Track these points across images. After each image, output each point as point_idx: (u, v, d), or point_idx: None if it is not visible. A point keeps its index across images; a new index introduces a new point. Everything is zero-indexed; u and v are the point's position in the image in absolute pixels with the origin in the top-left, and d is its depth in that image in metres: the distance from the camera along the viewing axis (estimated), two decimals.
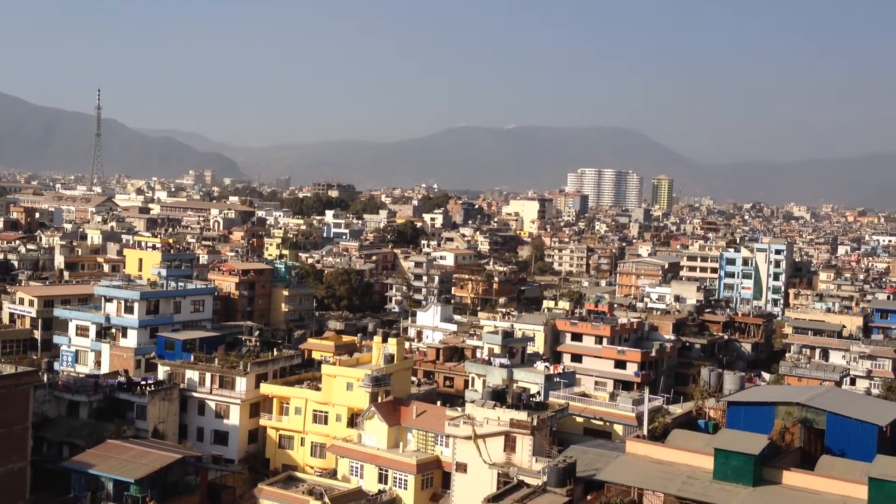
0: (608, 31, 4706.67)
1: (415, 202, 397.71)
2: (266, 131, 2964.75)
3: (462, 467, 63.89)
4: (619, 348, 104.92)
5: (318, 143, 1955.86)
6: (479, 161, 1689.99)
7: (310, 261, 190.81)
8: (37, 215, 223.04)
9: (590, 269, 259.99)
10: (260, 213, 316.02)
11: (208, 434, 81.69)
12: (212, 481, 68.28)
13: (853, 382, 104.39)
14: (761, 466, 43.62)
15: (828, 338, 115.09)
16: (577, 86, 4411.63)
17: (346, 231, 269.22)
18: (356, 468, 71.96)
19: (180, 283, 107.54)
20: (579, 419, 70.96)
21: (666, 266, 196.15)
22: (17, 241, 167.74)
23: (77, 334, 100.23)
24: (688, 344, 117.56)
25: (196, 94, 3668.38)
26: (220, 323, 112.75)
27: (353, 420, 77.35)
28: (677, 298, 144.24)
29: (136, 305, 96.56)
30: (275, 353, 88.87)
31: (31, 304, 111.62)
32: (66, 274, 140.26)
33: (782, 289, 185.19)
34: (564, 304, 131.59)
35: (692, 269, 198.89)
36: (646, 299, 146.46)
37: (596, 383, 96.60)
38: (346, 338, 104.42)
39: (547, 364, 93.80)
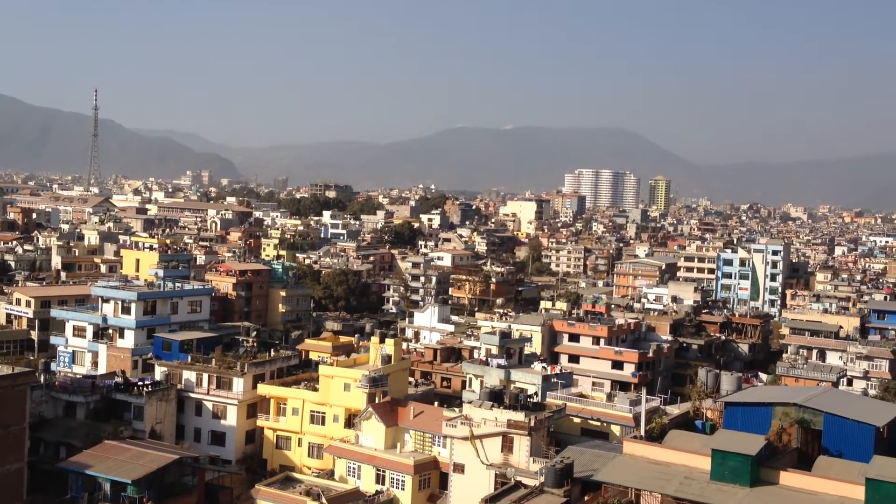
0: (608, 31, 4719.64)
1: (412, 203, 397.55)
2: (264, 132, 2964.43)
3: (459, 468, 63.86)
4: (617, 349, 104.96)
5: (315, 143, 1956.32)
6: (477, 162, 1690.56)
7: (307, 261, 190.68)
8: (34, 216, 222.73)
9: (587, 269, 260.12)
10: (257, 214, 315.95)
11: (205, 435, 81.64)
12: (209, 482, 68.29)
13: (850, 383, 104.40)
14: (758, 467, 43.67)
15: (825, 338, 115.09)
16: (575, 86, 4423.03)
17: (344, 232, 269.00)
18: (353, 469, 71.93)
19: (177, 284, 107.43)
20: (577, 420, 71.02)
21: (663, 267, 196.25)
22: (14, 242, 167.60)
23: (74, 335, 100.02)
24: (685, 344, 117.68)
25: (194, 95, 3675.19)
26: (218, 323, 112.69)
27: (351, 421, 77.33)
28: (674, 299, 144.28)
29: (133, 306, 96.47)
30: (272, 353, 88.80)
31: (27, 304, 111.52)
32: (62, 274, 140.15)
33: (779, 289, 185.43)
34: (562, 305, 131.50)
35: (689, 269, 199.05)
36: (643, 300, 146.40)
37: (593, 384, 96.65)
38: (343, 338, 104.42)
39: (544, 365, 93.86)
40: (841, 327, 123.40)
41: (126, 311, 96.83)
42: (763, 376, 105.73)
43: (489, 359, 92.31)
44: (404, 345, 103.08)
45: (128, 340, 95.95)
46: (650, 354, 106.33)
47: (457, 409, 71.97)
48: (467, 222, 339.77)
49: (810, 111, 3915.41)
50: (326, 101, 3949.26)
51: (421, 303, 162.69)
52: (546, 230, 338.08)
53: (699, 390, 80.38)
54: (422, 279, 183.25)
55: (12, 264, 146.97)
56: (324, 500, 65.81)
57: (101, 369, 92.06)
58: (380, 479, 70.28)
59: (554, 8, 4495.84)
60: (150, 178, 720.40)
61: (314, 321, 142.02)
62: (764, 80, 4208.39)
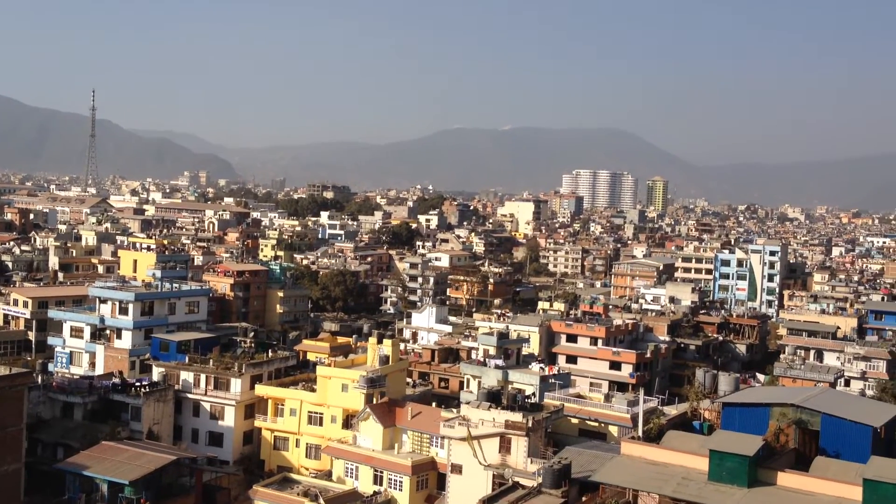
0: (607, 31, 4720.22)
1: (410, 203, 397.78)
2: (262, 132, 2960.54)
3: (457, 468, 63.85)
4: (614, 349, 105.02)
5: (313, 144, 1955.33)
6: (475, 162, 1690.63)
7: (305, 262, 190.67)
8: (31, 216, 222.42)
9: (585, 270, 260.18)
10: (255, 215, 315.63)
11: (203, 435, 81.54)
12: (206, 483, 68.29)
13: (848, 384, 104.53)
14: (756, 468, 43.68)
15: (822, 339, 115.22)
16: (573, 87, 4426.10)
17: (342, 232, 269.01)
18: (351, 469, 71.93)
19: (175, 285, 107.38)
20: (574, 420, 71.06)
21: (661, 267, 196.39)
22: (12, 242, 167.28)
23: (71, 335, 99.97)
24: (682, 345, 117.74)
25: (192, 95, 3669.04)
26: (215, 324, 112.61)
27: (349, 421, 77.30)
28: (672, 300, 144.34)
29: (130, 307, 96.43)
30: (270, 354, 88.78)
31: (25, 305, 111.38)
32: (60, 275, 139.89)
33: (777, 290, 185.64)
34: (559, 306, 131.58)
35: (687, 270, 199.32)
36: (640, 300, 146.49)
37: (591, 384, 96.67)
38: (341, 339, 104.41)
39: (542, 365, 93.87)
40: (838, 328, 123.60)
41: (123, 311, 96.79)
42: (761, 377, 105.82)
43: (487, 359, 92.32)
44: (402, 345, 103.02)
45: (125, 341, 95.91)
46: (648, 355, 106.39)
47: (454, 410, 71.93)
48: (465, 223, 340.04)
49: (810, 111, 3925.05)
50: (325, 101, 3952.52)
51: (419, 303, 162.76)
52: (544, 231, 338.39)
53: (697, 391, 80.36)
54: (419, 280, 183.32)
55: (9, 265, 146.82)
56: (321, 501, 65.81)
57: (99, 370, 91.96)
58: (377, 479, 70.27)
59: (554, 8, 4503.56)
60: (148, 178, 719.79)
61: (312, 322, 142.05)
62: (763, 81, 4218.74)
